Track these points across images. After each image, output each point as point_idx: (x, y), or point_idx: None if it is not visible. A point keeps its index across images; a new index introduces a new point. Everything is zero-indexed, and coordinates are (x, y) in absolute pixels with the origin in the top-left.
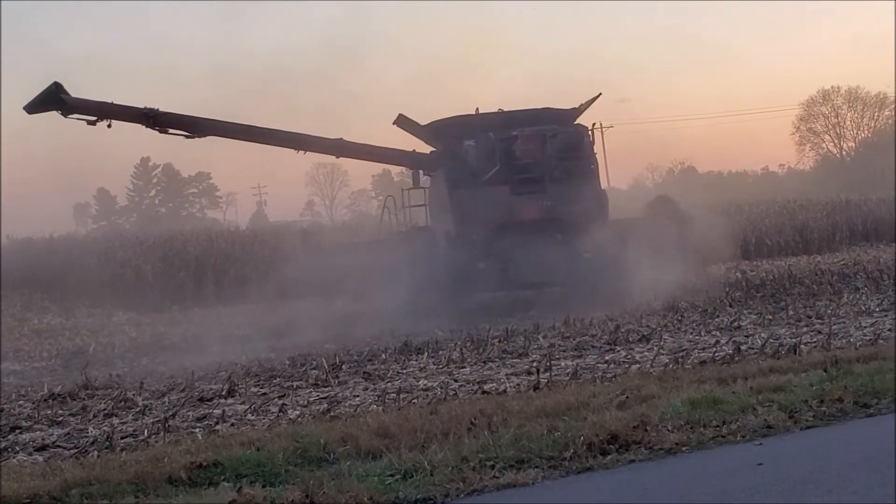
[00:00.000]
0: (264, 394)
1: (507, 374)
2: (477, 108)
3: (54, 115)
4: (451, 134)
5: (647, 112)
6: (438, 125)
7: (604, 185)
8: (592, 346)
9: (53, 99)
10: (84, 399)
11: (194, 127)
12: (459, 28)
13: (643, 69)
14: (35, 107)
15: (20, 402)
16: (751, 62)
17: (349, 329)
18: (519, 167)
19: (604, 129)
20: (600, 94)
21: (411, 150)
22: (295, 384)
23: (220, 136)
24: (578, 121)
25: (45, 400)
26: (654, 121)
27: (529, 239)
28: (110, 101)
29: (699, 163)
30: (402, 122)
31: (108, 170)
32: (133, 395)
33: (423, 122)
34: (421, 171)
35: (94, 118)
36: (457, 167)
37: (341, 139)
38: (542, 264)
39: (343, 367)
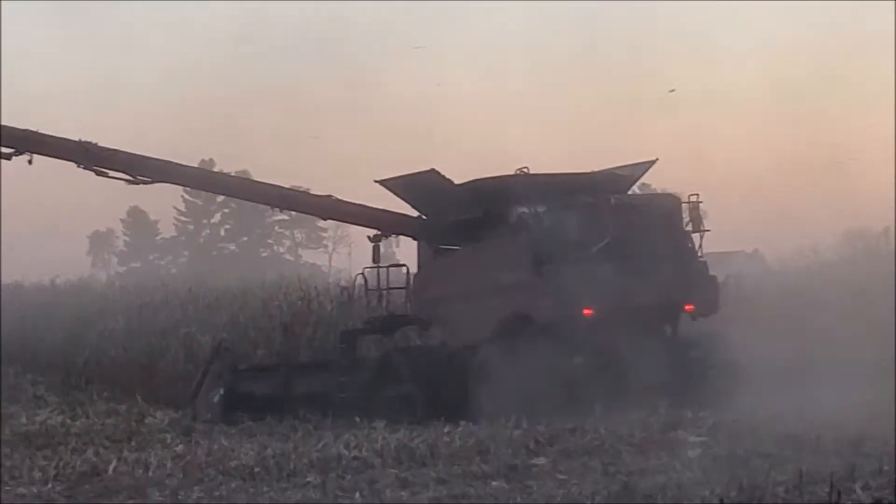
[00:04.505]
0: None
1: None
2: (525, 167)
3: None
4: (498, 198)
5: None
6: (482, 186)
7: None
8: None
9: None
10: None
11: (144, 169)
12: None
13: None
14: None
15: None
16: None
17: None
18: (624, 242)
19: None
20: (657, 159)
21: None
22: None
23: (178, 184)
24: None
25: None
26: None
27: (638, 330)
28: (34, 130)
29: None
30: (420, 179)
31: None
32: None
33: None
34: (380, 245)
35: (11, 151)
36: (538, 237)
37: (331, 197)
38: (653, 363)
39: None
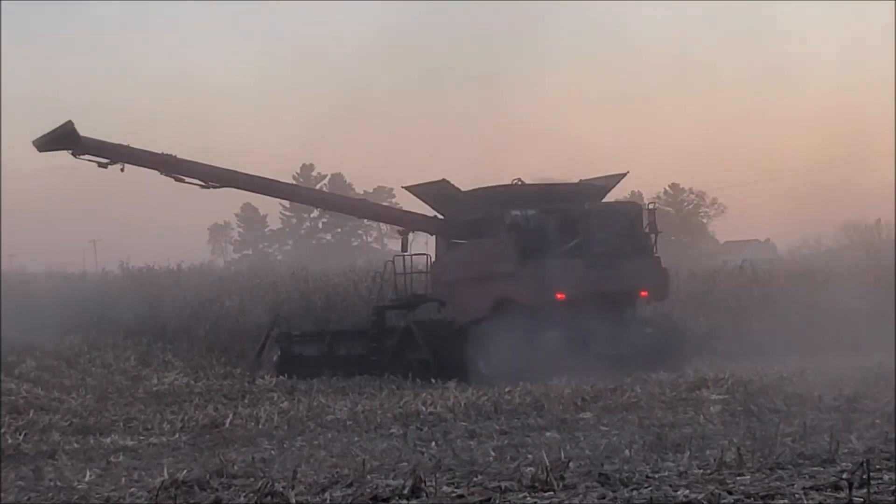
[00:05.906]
0: (460, 496)
1: (804, 488)
2: (519, 179)
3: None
4: (496, 203)
5: None
6: (484, 193)
7: None
8: None
9: (67, 138)
10: (217, 490)
11: (212, 176)
12: None
13: None
14: (46, 144)
15: (132, 489)
16: None
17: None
18: (592, 241)
19: None
20: (628, 171)
21: (432, 216)
22: (503, 485)
23: (238, 188)
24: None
25: (166, 489)
26: None
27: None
28: (126, 144)
29: None
30: (435, 187)
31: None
32: (283, 488)
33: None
34: (409, 236)
35: (107, 161)
36: (524, 236)
37: (365, 200)
38: (617, 337)
39: (570, 464)
